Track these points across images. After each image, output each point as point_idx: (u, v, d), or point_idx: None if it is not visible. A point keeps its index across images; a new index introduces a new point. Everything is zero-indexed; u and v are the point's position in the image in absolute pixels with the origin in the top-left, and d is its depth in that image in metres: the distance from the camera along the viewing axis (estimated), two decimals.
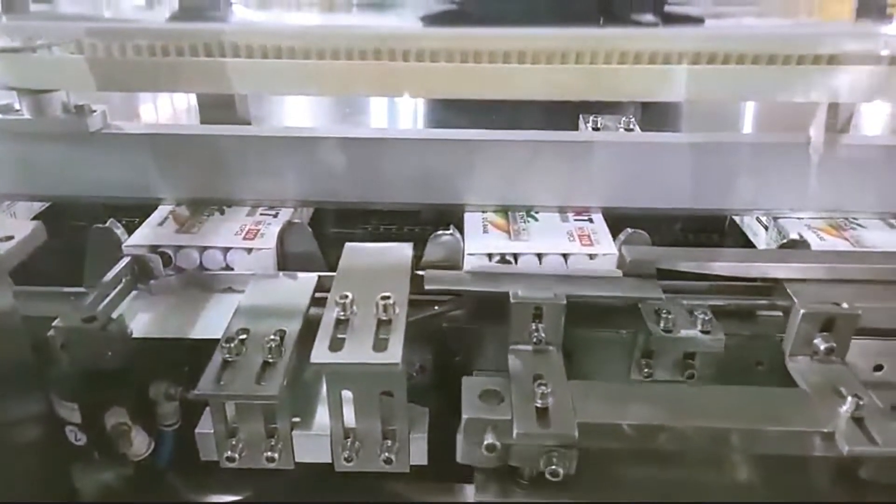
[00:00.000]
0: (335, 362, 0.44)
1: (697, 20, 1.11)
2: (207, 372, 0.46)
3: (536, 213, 0.68)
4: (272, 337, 0.48)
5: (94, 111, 0.66)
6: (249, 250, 0.61)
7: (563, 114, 0.81)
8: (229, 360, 0.47)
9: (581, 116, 0.87)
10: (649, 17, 0.99)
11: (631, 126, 0.83)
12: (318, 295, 0.55)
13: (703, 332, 0.52)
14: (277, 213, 0.67)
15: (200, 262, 0.61)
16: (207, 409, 0.47)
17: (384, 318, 0.47)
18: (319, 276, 0.57)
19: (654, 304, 0.54)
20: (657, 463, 0.47)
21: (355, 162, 0.68)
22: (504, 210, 0.69)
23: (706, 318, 0.52)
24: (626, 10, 1.00)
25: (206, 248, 0.61)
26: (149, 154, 0.66)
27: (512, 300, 0.51)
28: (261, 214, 0.67)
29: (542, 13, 0.96)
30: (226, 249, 0.61)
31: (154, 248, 0.61)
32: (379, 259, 0.56)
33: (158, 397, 0.50)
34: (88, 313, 0.49)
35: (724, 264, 0.56)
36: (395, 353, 0.44)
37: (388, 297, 0.47)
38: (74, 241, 0.64)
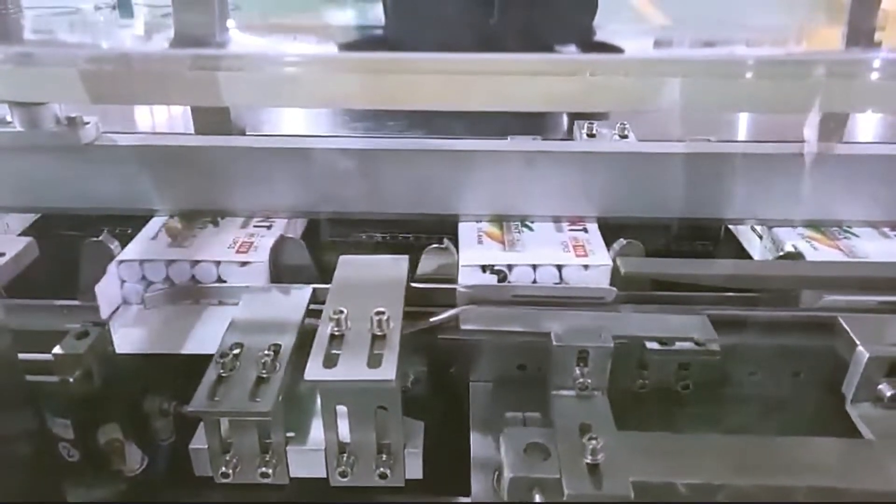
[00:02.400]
0: (329, 379, 0.44)
1: (618, 50, 1.10)
2: (201, 387, 0.46)
3: (532, 222, 0.68)
4: (266, 352, 0.48)
5: (87, 123, 0.65)
6: (242, 263, 0.61)
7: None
8: (223, 375, 0.47)
9: (576, 123, 0.87)
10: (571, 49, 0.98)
11: (626, 133, 0.83)
12: (312, 307, 0.55)
13: (697, 343, 0.52)
14: (271, 226, 0.67)
15: (193, 276, 0.61)
16: (201, 424, 0.47)
17: (378, 332, 0.47)
18: (314, 289, 0.57)
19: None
20: None
21: (352, 172, 0.67)
22: (499, 220, 0.69)
23: None
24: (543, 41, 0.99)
25: (198, 261, 0.61)
26: (142, 165, 0.66)
27: (555, 343, 0.48)
28: (254, 227, 0.67)
29: (458, 42, 0.96)
30: (218, 262, 0.61)
31: (144, 262, 0.61)
32: (373, 272, 0.56)
33: (152, 413, 0.50)
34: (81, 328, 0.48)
35: (721, 275, 0.56)
36: (389, 369, 0.44)
37: (383, 313, 0.47)
38: (66, 251, 0.64)
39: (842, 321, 0.50)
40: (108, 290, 0.59)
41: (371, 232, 0.79)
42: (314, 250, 0.64)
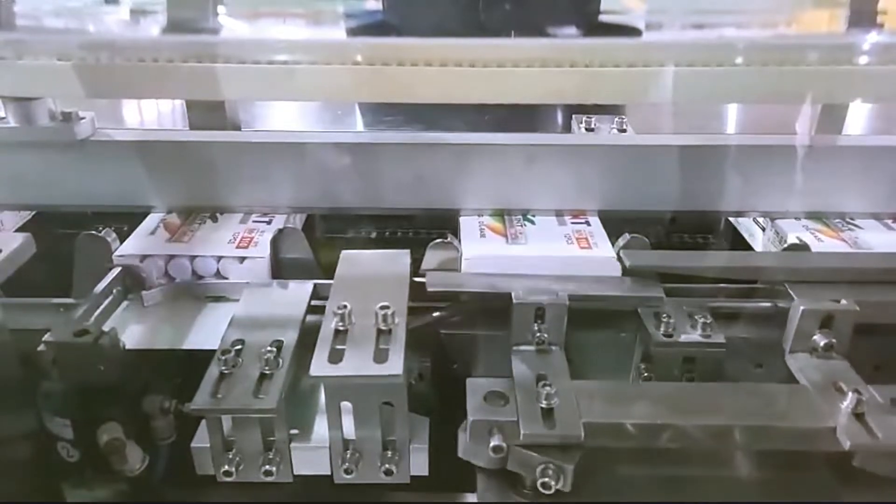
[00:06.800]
0: (335, 375, 0.43)
1: (634, 31, 1.10)
2: (203, 385, 0.45)
3: (533, 216, 0.68)
4: (269, 348, 0.47)
5: (83, 118, 0.64)
6: (242, 259, 0.60)
7: None
8: (226, 372, 0.46)
9: (574, 117, 0.86)
10: (571, 31, 0.97)
11: (624, 127, 0.83)
12: (314, 303, 0.54)
13: (703, 335, 0.52)
14: (271, 220, 0.66)
15: (193, 272, 0.60)
16: (203, 422, 0.46)
17: (384, 327, 0.47)
18: (315, 285, 0.56)
19: (654, 307, 0.53)
20: (659, 463, 0.47)
21: (349, 167, 0.67)
22: (501, 214, 0.68)
23: (706, 321, 0.52)
24: (548, 22, 0.98)
25: (197, 256, 0.60)
26: (139, 161, 0.65)
27: (514, 301, 0.51)
28: (254, 222, 0.66)
29: (461, 24, 0.96)
30: (218, 258, 0.60)
31: (144, 258, 0.60)
32: (376, 267, 0.55)
33: (153, 411, 0.49)
34: (80, 326, 0.48)
35: (724, 266, 0.56)
36: (396, 364, 0.44)
37: (388, 307, 0.47)
38: (63, 249, 0.63)
39: (786, 286, 0.53)
40: None
41: (370, 228, 0.79)
42: (313, 247, 0.64)
